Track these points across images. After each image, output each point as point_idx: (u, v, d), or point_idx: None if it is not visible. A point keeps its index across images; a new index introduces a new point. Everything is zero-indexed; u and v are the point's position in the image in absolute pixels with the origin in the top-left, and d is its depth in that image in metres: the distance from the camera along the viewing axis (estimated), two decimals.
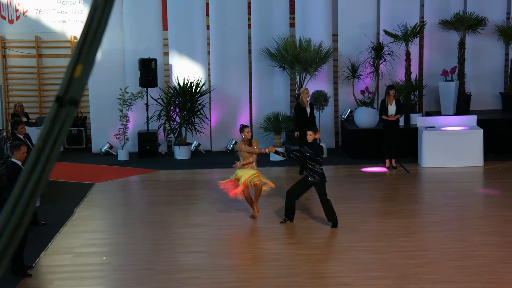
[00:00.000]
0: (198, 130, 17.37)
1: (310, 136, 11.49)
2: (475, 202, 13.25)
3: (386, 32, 17.52)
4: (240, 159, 11.97)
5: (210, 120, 17.93)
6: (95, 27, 2.24)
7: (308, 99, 15.51)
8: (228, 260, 10.34)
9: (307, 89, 15.66)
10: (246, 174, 11.65)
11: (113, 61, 17.71)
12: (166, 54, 17.98)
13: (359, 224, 11.69)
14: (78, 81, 2.18)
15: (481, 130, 15.85)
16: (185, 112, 17.28)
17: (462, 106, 17.50)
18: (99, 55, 17.08)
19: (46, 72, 18.42)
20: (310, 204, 13.14)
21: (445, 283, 9.03)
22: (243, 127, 11.96)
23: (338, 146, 18.00)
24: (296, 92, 17.44)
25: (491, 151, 16.36)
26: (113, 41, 17.64)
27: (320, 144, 13.02)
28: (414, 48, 17.80)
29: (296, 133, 15.27)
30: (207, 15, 17.93)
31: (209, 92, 17.79)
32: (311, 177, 11.34)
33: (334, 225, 11.39)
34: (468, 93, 17.82)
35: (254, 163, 11.80)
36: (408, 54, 17.56)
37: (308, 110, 15.29)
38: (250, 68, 18.09)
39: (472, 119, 16.36)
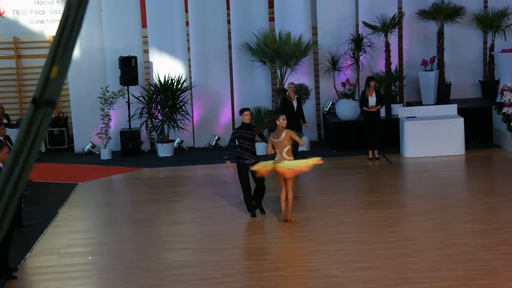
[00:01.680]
0: (180, 127, 17.35)
1: (247, 116, 11.53)
2: (458, 190, 13.33)
3: (365, 24, 17.57)
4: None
5: (192, 117, 17.91)
6: (69, 27, 2.23)
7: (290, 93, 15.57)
8: (214, 256, 10.34)
9: (293, 83, 15.71)
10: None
11: (93, 60, 17.65)
12: (146, 51, 17.93)
13: (344, 216, 11.73)
14: (54, 81, 2.18)
15: (462, 119, 15.94)
16: (167, 109, 17.25)
17: (443, 95, 17.59)
18: (78, 54, 16.98)
19: (26, 73, 18.31)
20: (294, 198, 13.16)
21: (430, 271, 9.08)
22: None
23: (320, 139, 18.04)
24: (278, 86, 17.47)
25: (472, 139, 16.46)
26: (93, 40, 17.57)
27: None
28: (393, 39, 17.86)
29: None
30: (186, 11, 17.90)
31: (190, 88, 17.77)
32: (253, 160, 11.46)
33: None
34: (448, 82, 17.91)
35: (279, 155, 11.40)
36: (387, 45, 17.62)
37: (295, 104, 15.33)
38: (230, 64, 18.07)
39: (453, 108, 16.45)
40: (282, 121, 11.34)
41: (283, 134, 11.27)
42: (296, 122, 15.26)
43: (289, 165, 11.17)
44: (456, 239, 10.32)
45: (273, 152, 11.41)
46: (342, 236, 10.71)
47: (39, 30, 18.09)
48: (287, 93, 15.65)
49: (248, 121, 11.71)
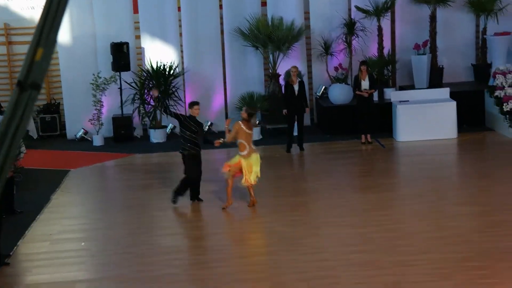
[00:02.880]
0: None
1: (197, 110, 11.59)
2: (450, 174, 13.37)
3: (358, 8, 17.52)
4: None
5: (185, 102, 17.85)
6: (54, 9, 2.22)
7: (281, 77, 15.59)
8: (207, 241, 10.37)
9: (295, 67, 15.71)
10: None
11: (84, 46, 17.58)
12: (138, 37, 17.86)
13: (336, 200, 11.75)
14: (39, 64, 2.16)
15: (454, 102, 15.96)
16: (159, 95, 17.19)
17: (435, 79, 17.58)
18: (70, 40, 16.88)
19: (17, 60, 18.22)
20: (284, 183, 13.19)
21: (422, 254, 9.12)
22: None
23: (313, 124, 18.04)
24: (270, 71, 17.45)
25: (464, 122, 16.48)
26: (84, 26, 17.49)
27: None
28: (386, 23, 17.82)
29: (285, 111, 15.40)
30: None
31: (183, 74, 17.72)
32: (197, 150, 11.57)
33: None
34: (441, 66, 17.90)
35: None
36: (380, 29, 17.59)
37: (296, 88, 15.35)
38: (223, 49, 18.02)
39: (445, 91, 16.47)
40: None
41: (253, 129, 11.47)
42: (297, 106, 15.28)
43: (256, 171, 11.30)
44: (448, 221, 10.36)
45: (233, 140, 11.47)
46: (335, 220, 10.73)
47: (30, 16, 17.99)
48: (290, 76, 15.71)
49: (197, 115, 11.74)
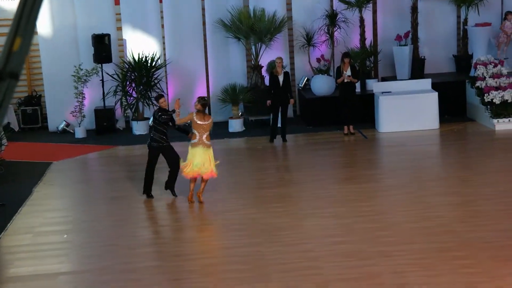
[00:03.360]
0: (155, 105, 17.21)
1: (163, 103, 11.57)
2: (433, 164, 13.43)
3: None
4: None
5: (167, 94, 17.81)
6: None
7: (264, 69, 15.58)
8: (190, 232, 10.36)
9: (280, 58, 15.68)
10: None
11: (65, 37, 17.47)
12: (119, 29, 17.78)
13: (319, 191, 11.78)
14: (18, 54, 2.14)
15: (436, 93, 16.02)
16: (141, 87, 17.15)
17: (417, 70, 17.64)
18: (51, 32, 16.77)
19: None
20: (267, 175, 13.20)
21: (405, 244, 9.16)
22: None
23: (296, 115, 18.04)
24: (252, 62, 17.44)
25: (446, 113, 16.56)
26: (65, 17, 17.38)
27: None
28: (367, 14, 17.85)
29: (268, 102, 15.38)
30: None
31: (165, 65, 17.67)
32: (167, 142, 11.48)
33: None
34: (422, 57, 17.96)
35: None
36: (362, 21, 17.62)
37: (281, 78, 15.34)
38: (205, 41, 17.98)
39: (427, 82, 16.53)
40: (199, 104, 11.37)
41: (210, 120, 11.36)
42: (282, 96, 15.28)
43: (208, 166, 11.23)
44: (431, 212, 10.40)
45: (182, 123, 11.57)
46: (318, 211, 10.76)
47: (10, 8, 17.84)
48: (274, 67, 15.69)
49: (165, 107, 11.69)
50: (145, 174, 11.71)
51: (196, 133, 11.27)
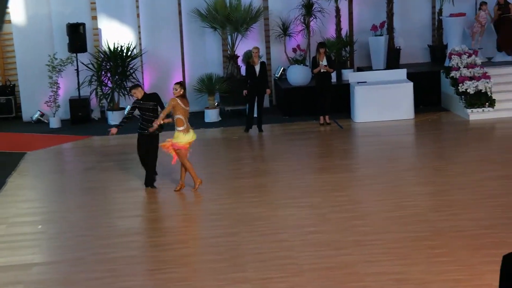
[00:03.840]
0: (131, 95, 17.14)
1: (140, 93, 11.47)
2: (408, 154, 13.51)
3: None
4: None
5: (143, 84, 17.73)
6: None
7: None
8: (166, 222, 10.34)
9: (257, 48, 15.65)
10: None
11: (39, 26, 17.32)
12: (94, 18, 17.65)
13: (295, 181, 11.81)
14: None
15: (411, 83, 16.11)
16: (117, 77, 17.06)
17: (392, 60, 17.71)
18: (24, 20, 16.61)
19: None
20: (243, 165, 13.21)
21: (380, 233, 9.22)
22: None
23: (272, 105, 18.05)
24: (229, 52, 17.41)
25: (421, 103, 16.66)
26: (39, 6, 17.23)
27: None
28: (343, 4, 17.87)
29: (245, 91, 15.37)
30: None
31: (141, 55, 17.59)
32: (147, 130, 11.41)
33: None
34: (398, 47, 18.03)
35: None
36: (337, 10, 17.65)
37: (258, 68, 15.32)
38: (181, 30, 17.91)
39: (402, 72, 16.60)
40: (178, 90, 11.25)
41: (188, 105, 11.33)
42: (258, 87, 15.27)
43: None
44: (405, 201, 10.47)
45: (167, 121, 11.41)
46: (293, 201, 10.78)
47: None
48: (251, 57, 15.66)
49: (140, 96, 11.54)
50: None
51: (183, 119, 11.22)
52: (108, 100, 17.11)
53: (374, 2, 18.19)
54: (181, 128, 11.22)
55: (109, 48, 17.07)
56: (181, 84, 11.43)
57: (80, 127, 16.58)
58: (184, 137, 11.25)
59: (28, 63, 17.30)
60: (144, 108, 11.48)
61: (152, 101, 11.51)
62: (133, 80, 17.18)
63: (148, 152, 11.50)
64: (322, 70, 15.54)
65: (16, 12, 17.25)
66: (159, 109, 11.50)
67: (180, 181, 11.48)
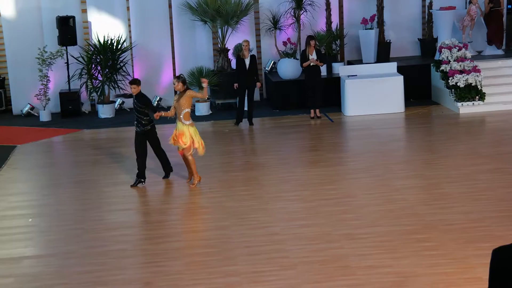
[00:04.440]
0: (121, 88, 17.15)
1: (134, 89, 11.40)
2: (398, 148, 13.55)
3: None
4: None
5: (133, 77, 17.71)
6: None
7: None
8: (156, 216, 10.35)
9: (247, 41, 15.65)
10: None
11: (29, 19, 17.27)
12: (84, 11, 17.60)
13: (285, 174, 11.83)
14: None
15: (401, 77, 16.15)
16: (107, 70, 17.03)
17: (382, 54, 17.75)
18: (14, 13, 16.52)
19: None
20: (234, 158, 13.23)
21: (370, 227, 9.26)
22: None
23: (262, 98, 18.07)
24: (219, 46, 17.40)
25: (411, 97, 16.71)
26: None
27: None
28: None
29: (235, 85, 15.38)
30: None
31: (131, 48, 17.56)
32: (140, 128, 11.39)
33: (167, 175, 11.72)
34: (388, 41, 18.07)
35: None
36: (328, 4, 17.66)
37: (248, 62, 15.33)
38: (171, 23, 17.88)
39: (392, 66, 16.65)
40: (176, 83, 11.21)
41: (184, 95, 11.16)
42: (248, 80, 15.28)
43: (178, 134, 11.23)
44: (395, 195, 10.52)
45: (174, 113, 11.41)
46: (284, 194, 10.81)
47: None
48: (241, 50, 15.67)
49: (135, 93, 11.51)
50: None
51: (189, 112, 11.24)
52: (98, 93, 17.08)
53: None
54: (188, 122, 11.21)
55: (99, 41, 17.03)
56: (179, 77, 11.34)
57: (70, 121, 16.55)
58: (196, 132, 11.24)
59: (18, 56, 17.25)
60: (134, 107, 11.46)
61: (142, 103, 11.37)
62: (123, 73, 17.16)
63: (153, 148, 11.50)
64: (312, 64, 15.56)
65: (6, 5, 17.19)
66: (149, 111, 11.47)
67: (195, 175, 11.42)
